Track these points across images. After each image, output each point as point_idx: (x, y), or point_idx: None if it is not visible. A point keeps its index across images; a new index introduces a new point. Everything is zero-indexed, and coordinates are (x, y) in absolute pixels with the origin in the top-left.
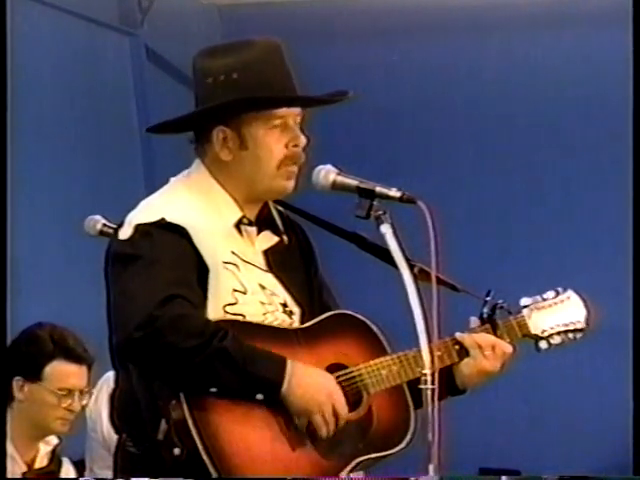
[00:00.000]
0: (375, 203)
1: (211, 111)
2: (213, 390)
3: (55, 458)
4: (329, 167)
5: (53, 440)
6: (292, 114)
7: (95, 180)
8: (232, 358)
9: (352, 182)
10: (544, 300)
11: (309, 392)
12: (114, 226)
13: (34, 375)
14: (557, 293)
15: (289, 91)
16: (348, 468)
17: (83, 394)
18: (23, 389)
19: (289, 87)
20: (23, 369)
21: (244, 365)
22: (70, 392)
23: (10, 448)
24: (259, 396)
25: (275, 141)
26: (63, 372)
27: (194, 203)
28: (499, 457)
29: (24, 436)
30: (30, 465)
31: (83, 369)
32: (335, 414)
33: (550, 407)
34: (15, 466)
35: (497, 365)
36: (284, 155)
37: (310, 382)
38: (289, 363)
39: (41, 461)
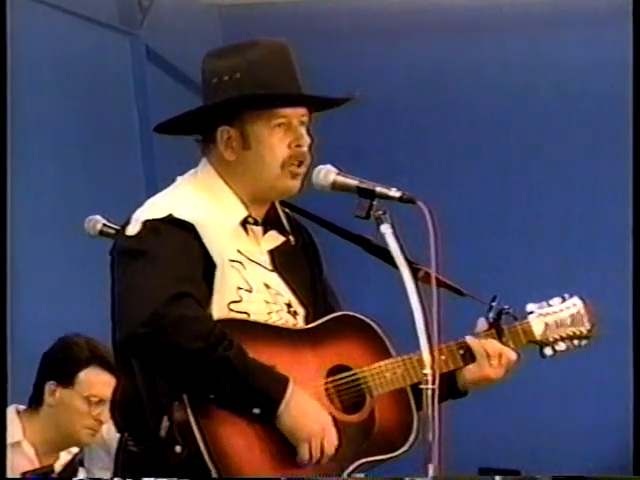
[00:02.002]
0: (375, 203)
1: (210, 109)
2: (211, 397)
3: (72, 465)
4: (329, 167)
5: (74, 448)
6: (296, 114)
7: (95, 180)
8: (234, 369)
9: (352, 182)
10: (550, 306)
11: (304, 418)
12: (114, 226)
13: (67, 380)
14: (563, 299)
15: (293, 91)
16: (350, 469)
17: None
18: (55, 394)
19: (293, 87)
20: (56, 374)
21: (245, 378)
22: (101, 401)
23: (31, 452)
24: (256, 410)
25: (278, 140)
26: (96, 379)
27: (201, 201)
28: (499, 457)
29: (48, 443)
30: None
31: (114, 379)
32: (322, 449)
33: (550, 407)
34: (27, 466)
35: (501, 373)
36: (287, 155)
37: (308, 409)
38: (291, 384)
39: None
